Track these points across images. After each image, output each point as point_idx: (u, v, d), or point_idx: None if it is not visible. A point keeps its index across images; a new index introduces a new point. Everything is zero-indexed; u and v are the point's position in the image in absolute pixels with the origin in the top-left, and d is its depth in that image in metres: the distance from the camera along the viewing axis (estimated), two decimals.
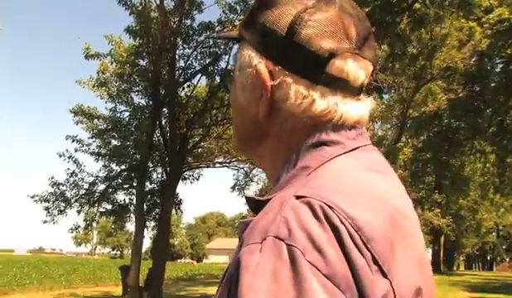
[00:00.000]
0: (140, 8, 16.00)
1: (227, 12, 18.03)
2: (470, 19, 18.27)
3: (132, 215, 19.11)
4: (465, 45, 18.14)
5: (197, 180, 22.38)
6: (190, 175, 21.82)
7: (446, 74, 15.79)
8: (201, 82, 19.63)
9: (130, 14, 16.03)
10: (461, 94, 15.99)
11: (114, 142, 19.18)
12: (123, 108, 18.70)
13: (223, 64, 18.39)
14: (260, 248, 0.58)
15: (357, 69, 0.75)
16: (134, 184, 18.32)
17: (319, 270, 0.55)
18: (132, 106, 18.33)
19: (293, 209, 0.60)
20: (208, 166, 24.32)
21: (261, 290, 0.54)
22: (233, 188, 32.54)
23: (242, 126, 0.84)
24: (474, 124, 14.57)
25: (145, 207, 17.85)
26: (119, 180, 18.70)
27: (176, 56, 17.74)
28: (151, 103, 17.76)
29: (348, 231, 0.59)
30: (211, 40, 17.93)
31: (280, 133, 0.77)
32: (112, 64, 17.60)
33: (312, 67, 0.73)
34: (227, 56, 18.73)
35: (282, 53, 0.74)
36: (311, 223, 0.58)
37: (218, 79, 18.50)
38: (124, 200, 19.12)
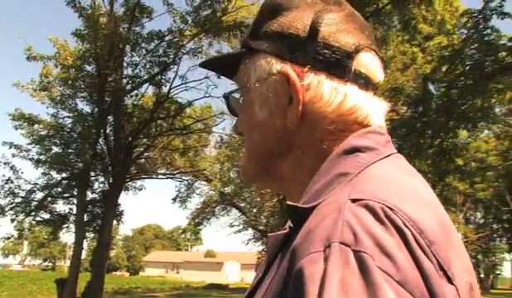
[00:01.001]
0: (89, 12, 15.56)
1: (178, 21, 17.93)
2: (413, 44, 19.20)
3: (71, 226, 18.31)
4: (408, 68, 18.99)
5: (139, 190, 21.99)
6: (132, 186, 21.37)
7: (392, 95, 16.42)
8: (148, 91, 19.35)
9: (79, 17, 15.61)
10: (405, 115, 16.68)
11: (55, 149, 18.34)
12: (65, 113, 18.01)
13: (171, 75, 18.23)
14: (324, 257, 0.53)
15: (376, 65, 0.77)
16: (75, 193, 17.63)
17: (391, 276, 0.51)
18: (76, 112, 17.66)
19: (353, 213, 0.56)
20: (151, 177, 23.95)
21: None
22: (174, 200, 32.22)
23: (263, 145, 0.78)
24: (416, 144, 15.15)
25: (85, 217, 17.17)
26: (59, 189, 17.93)
27: (124, 64, 17.44)
28: (96, 110, 17.26)
29: (412, 234, 0.55)
30: (161, 49, 17.75)
31: (308, 141, 0.74)
32: (56, 67, 16.97)
33: (340, 63, 0.73)
34: (176, 66, 18.63)
35: (307, 53, 0.73)
36: (375, 226, 0.54)
37: (165, 89, 18.30)
38: (64, 210, 18.35)
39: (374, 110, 0.75)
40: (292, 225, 0.65)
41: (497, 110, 21.08)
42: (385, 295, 0.49)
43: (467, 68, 13.27)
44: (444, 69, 13.87)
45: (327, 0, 0.78)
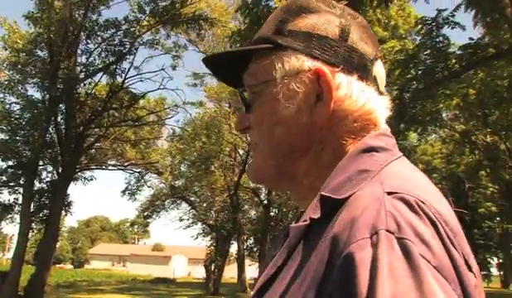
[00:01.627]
0: None
1: (135, 10, 17.58)
2: None
3: (15, 216, 17.60)
4: None
5: (90, 181, 21.44)
6: (81, 177, 20.80)
7: None
8: (102, 80, 18.86)
9: None
10: None
11: (1, 136, 17.52)
12: (13, 99, 17.26)
13: (126, 65, 17.87)
14: (371, 243, 0.56)
15: (384, 75, 0.83)
16: (21, 182, 16.94)
17: (429, 262, 0.55)
18: (25, 98, 16.95)
19: (393, 204, 0.60)
20: (102, 168, 23.42)
21: (382, 285, 0.53)
22: (124, 192, 31.62)
23: (286, 140, 0.79)
24: None
25: (32, 208, 16.55)
26: (4, 178, 17.16)
27: (79, 51, 16.90)
28: (47, 97, 16.61)
29: (442, 226, 0.60)
30: (117, 39, 17.35)
31: (329, 138, 0.78)
32: (6, 50, 16.22)
33: (365, 67, 0.79)
34: (132, 56, 18.26)
35: (338, 54, 0.78)
36: (412, 217, 0.59)
37: (120, 79, 17.91)
38: (9, 200, 17.60)
39: (383, 113, 0.81)
40: (314, 216, 0.67)
41: (444, 115, 21.95)
42: (427, 278, 0.53)
43: (419, 72, 13.73)
44: (397, 72, 14.27)
45: (344, 9, 0.83)
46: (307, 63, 0.78)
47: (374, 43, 0.82)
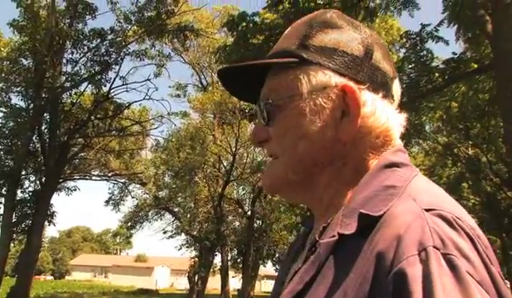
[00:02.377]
0: (29, 2, 14.83)
1: (121, 21, 17.56)
2: None
3: None
4: None
5: (72, 192, 21.20)
6: (64, 187, 20.57)
7: None
8: (87, 90, 18.73)
9: (17, 6, 14.80)
10: None
11: None
12: None
13: (112, 75, 17.76)
14: (420, 259, 0.58)
15: (399, 93, 0.86)
16: (3, 192, 16.65)
17: (472, 276, 0.58)
18: (9, 107, 16.73)
19: (433, 221, 0.62)
20: (85, 178, 23.18)
21: None
22: (107, 202, 31.29)
23: (309, 155, 0.79)
24: None
25: (14, 218, 16.27)
26: None
27: (64, 60, 16.78)
28: (31, 106, 16.42)
29: (477, 240, 0.63)
30: (103, 48, 17.27)
31: (352, 153, 0.79)
32: None
33: (388, 85, 0.81)
34: (118, 66, 18.19)
35: (364, 72, 0.79)
36: (452, 233, 0.61)
37: (105, 89, 17.82)
38: None
39: (398, 129, 0.83)
40: (346, 232, 0.68)
41: (427, 127, 22.21)
42: (473, 292, 0.56)
43: (404, 86, 13.94)
44: None
45: (361, 27, 0.84)
46: (334, 79, 0.79)
47: (392, 62, 0.85)
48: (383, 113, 0.79)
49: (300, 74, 0.80)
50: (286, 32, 0.87)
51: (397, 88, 0.84)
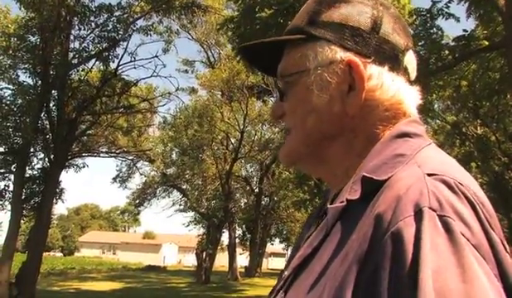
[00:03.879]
0: None
1: None
2: None
3: (5, 203, 17.43)
4: None
5: (80, 169, 21.34)
6: (73, 164, 20.68)
7: None
8: (95, 67, 18.68)
9: None
10: None
11: None
12: (4, 84, 17.03)
13: (120, 51, 17.70)
14: (416, 220, 0.59)
15: (415, 64, 0.85)
16: (13, 169, 16.78)
17: (468, 240, 0.58)
18: (17, 84, 16.74)
19: (434, 185, 0.63)
20: (94, 155, 23.31)
21: (425, 259, 0.56)
22: (114, 179, 31.55)
23: (318, 128, 0.82)
24: None
25: (23, 195, 16.42)
26: None
27: (71, 37, 16.70)
28: (39, 83, 16.41)
29: (479, 206, 0.63)
30: (110, 24, 17.18)
31: (361, 126, 0.80)
32: None
33: (396, 58, 0.81)
34: (125, 43, 18.11)
35: (370, 45, 0.80)
36: (452, 197, 0.62)
37: (113, 65, 17.77)
38: None
39: (413, 102, 0.83)
40: (352, 198, 0.70)
41: (435, 106, 22.06)
42: (466, 254, 0.56)
43: None
44: None
45: (371, 1, 0.84)
46: (340, 53, 0.80)
47: (407, 33, 0.84)
48: (391, 86, 0.79)
49: (307, 51, 0.82)
50: (300, 10, 0.89)
51: (411, 59, 0.84)
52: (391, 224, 0.61)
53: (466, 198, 0.62)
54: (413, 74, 0.85)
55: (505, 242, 0.64)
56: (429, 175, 0.65)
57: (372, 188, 0.69)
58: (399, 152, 0.73)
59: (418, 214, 0.60)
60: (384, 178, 0.69)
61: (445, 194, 0.62)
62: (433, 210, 0.60)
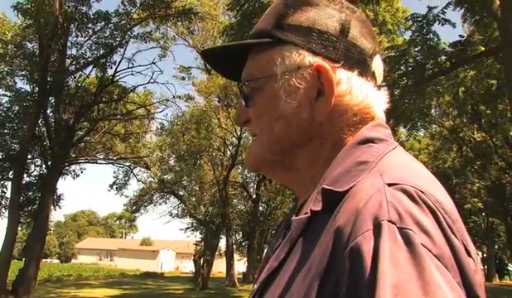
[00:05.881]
0: None
1: (126, 3, 17.45)
2: None
3: (3, 210, 17.36)
4: None
5: (77, 176, 21.30)
6: (70, 170, 20.65)
7: None
8: (92, 73, 18.70)
9: None
10: None
11: None
12: (1, 91, 17.01)
13: (117, 58, 17.71)
14: (374, 234, 0.58)
15: (382, 68, 0.84)
16: (10, 176, 16.72)
17: (430, 251, 0.57)
18: (14, 91, 16.73)
19: (393, 195, 0.61)
20: (91, 162, 23.26)
21: (384, 274, 0.54)
22: (111, 186, 31.43)
23: (285, 135, 0.80)
24: None
25: (20, 202, 16.36)
26: None
27: (69, 43, 16.69)
28: (36, 90, 16.40)
29: (441, 214, 0.61)
30: (107, 31, 17.21)
31: (329, 132, 0.79)
32: None
33: (365, 62, 0.80)
34: (123, 49, 18.14)
35: (339, 50, 0.78)
36: (412, 207, 0.60)
37: (110, 72, 17.77)
38: None
39: (380, 106, 0.82)
40: (315, 209, 0.69)
41: (432, 111, 22.13)
42: (428, 266, 0.55)
43: (409, 69, 13.80)
44: (387, 68, 14.38)
45: (342, 3, 0.83)
46: (308, 58, 0.78)
47: (373, 38, 0.83)
48: (360, 91, 0.78)
49: (274, 55, 0.80)
50: (265, 12, 0.87)
51: (378, 64, 0.83)
52: (350, 239, 0.59)
53: (427, 206, 0.61)
54: (380, 79, 0.84)
55: (470, 247, 0.63)
56: (389, 184, 0.63)
57: (334, 199, 0.68)
58: (362, 159, 0.72)
59: (377, 228, 0.58)
60: (346, 189, 0.68)
61: (405, 204, 0.60)
62: (393, 223, 0.58)
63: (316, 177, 0.77)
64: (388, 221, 0.58)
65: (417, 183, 0.63)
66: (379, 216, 0.59)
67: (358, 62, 0.79)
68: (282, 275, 0.69)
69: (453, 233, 0.61)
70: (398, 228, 0.58)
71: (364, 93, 0.78)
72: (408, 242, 0.56)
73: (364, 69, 0.79)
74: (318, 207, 0.69)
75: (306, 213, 0.70)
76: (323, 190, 0.69)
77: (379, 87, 0.83)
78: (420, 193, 0.62)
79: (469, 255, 0.62)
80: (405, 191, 0.62)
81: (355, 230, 0.60)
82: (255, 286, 0.77)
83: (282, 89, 0.79)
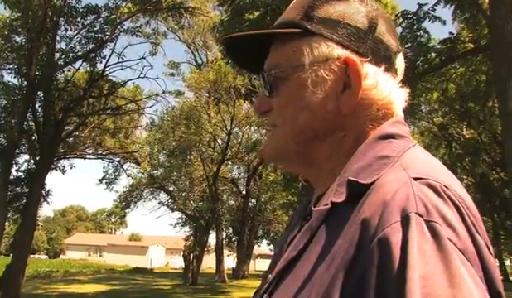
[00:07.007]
0: None
1: None
2: None
3: None
4: None
5: (67, 170, 21.17)
6: (59, 166, 20.49)
7: None
8: (81, 68, 18.54)
9: None
10: None
11: None
12: None
13: (107, 52, 17.58)
14: (402, 226, 0.59)
15: (403, 68, 0.86)
16: None
17: (455, 244, 0.58)
18: (1, 84, 16.53)
19: (420, 189, 0.63)
20: (80, 157, 23.11)
21: (413, 265, 0.56)
22: (100, 181, 31.25)
23: (310, 126, 0.80)
24: None
25: (8, 197, 16.20)
26: None
27: (58, 37, 16.53)
28: (24, 83, 16.23)
29: (464, 210, 0.63)
30: (97, 25, 17.07)
31: (352, 125, 0.79)
32: None
33: (390, 59, 0.81)
34: (113, 44, 18.00)
35: (367, 45, 0.80)
36: (438, 201, 0.62)
37: (100, 66, 17.65)
38: None
39: (401, 105, 0.83)
40: (337, 200, 0.70)
41: (422, 107, 22.26)
42: (454, 260, 0.57)
43: None
44: None
45: (366, 1, 0.84)
46: (337, 51, 0.79)
47: (396, 36, 0.85)
48: (385, 86, 0.79)
49: (302, 46, 0.81)
50: (292, 3, 0.87)
51: (400, 62, 0.85)
52: (378, 230, 0.61)
53: (452, 201, 0.62)
54: (401, 77, 0.85)
55: (489, 244, 0.65)
56: (415, 179, 0.64)
57: (357, 191, 0.68)
58: (384, 154, 0.73)
59: (405, 220, 0.59)
60: (370, 181, 0.68)
61: (431, 198, 0.62)
62: (420, 216, 0.59)
63: (336, 170, 0.77)
64: (416, 213, 0.60)
65: (441, 178, 0.65)
66: (407, 208, 0.60)
67: (384, 58, 0.80)
68: (302, 265, 0.70)
69: (476, 229, 0.63)
70: (424, 220, 0.59)
71: (388, 89, 0.80)
72: (435, 234, 0.58)
73: (390, 66, 0.81)
74: (340, 198, 0.70)
75: (326, 205, 0.71)
76: (348, 182, 0.70)
77: (401, 85, 0.84)
78: (445, 188, 0.63)
79: (490, 253, 0.64)
80: (431, 186, 0.63)
81: (383, 222, 0.61)
82: (270, 275, 0.77)
83: (309, 80, 0.79)
